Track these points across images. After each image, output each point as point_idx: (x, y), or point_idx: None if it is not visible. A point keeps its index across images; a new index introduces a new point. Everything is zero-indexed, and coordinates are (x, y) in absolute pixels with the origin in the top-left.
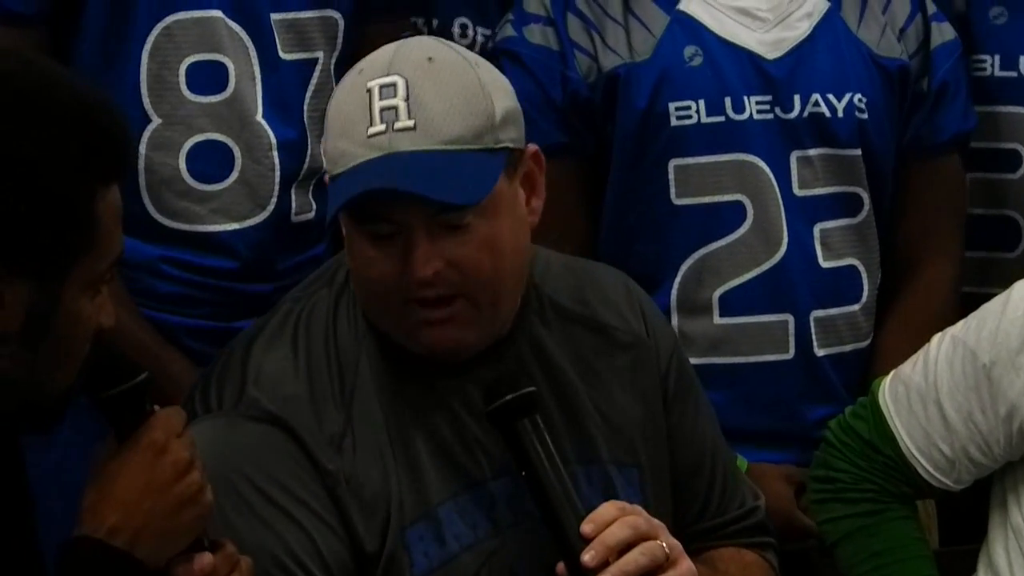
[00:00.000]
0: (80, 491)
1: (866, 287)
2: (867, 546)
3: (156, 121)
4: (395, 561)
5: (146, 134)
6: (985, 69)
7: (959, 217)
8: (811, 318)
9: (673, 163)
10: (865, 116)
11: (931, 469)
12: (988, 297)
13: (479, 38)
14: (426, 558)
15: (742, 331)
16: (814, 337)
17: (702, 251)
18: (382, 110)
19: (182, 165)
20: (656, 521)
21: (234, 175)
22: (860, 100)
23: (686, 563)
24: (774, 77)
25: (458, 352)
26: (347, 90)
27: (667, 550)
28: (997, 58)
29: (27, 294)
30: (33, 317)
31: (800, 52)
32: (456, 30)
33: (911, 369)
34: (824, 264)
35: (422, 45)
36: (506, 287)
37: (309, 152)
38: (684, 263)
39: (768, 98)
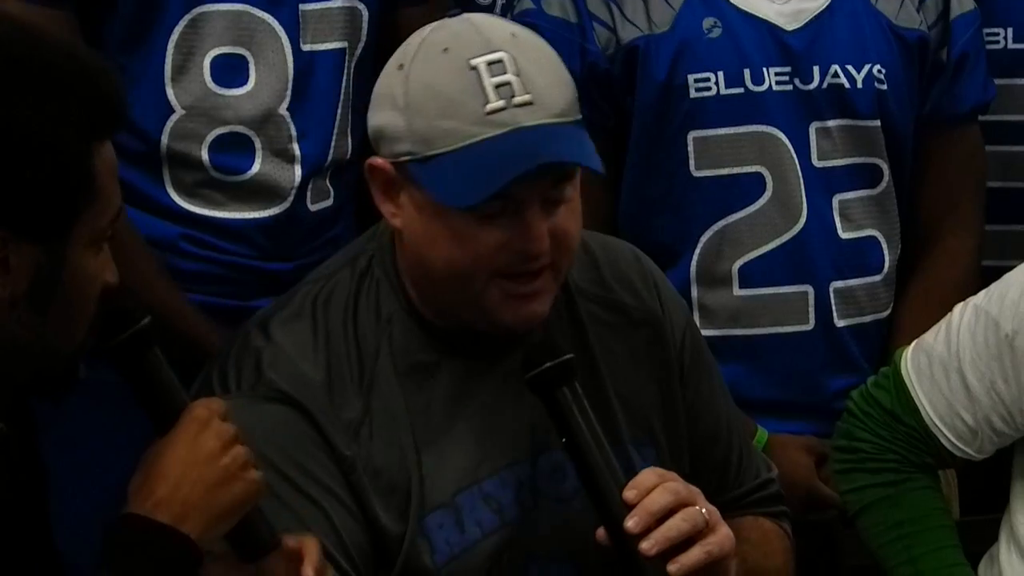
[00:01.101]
0: (96, 463)
1: (887, 258)
2: (889, 516)
3: (179, 112)
4: (415, 547)
5: (168, 124)
6: (999, 42)
7: (979, 188)
8: (831, 289)
9: (692, 135)
10: (884, 87)
11: (953, 439)
12: (1005, 270)
13: (497, 9)
14: (447, 545)
15: (762, 303)
16: (834, 308)
17: (721, 223)
18: (496, 86)
19: (204, 156)
20: (694, 487)
21: (256, 167)
22: (879, 71)
23: (724, 529)
24: (793, 48)
25: (533, 325)
26: (440, 70)
27: (706, 515)
28: (1010, 30)
29: (33, 256)
30: (40, 279)
31: (819, 23)
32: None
33: (933, 339)
34: (843, 235)
35: (494, 21)
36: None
37: (334, 143)
38: (704, 235)
39: (787, 69)
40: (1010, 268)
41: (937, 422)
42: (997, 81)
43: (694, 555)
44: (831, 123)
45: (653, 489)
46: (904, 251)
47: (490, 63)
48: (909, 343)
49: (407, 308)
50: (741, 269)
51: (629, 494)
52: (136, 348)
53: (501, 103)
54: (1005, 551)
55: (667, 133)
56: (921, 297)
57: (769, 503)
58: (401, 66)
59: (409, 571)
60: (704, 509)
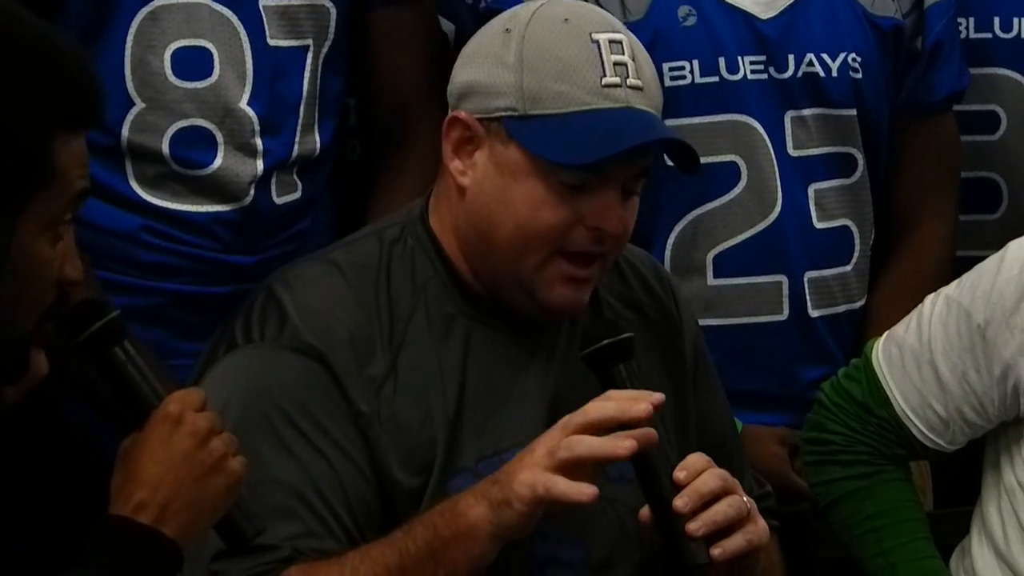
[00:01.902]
0: None
1: (858, 247)
2: (861, 508)
3: (140, 105)
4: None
5: (129, 117)
6: (961, 32)
7: (954, 177)
8: (805, 278)
9: (667, 123)
10: (859, 76)
11: (925, 430)
12: (971, 260)
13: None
14: None
15: (736, 292)
16: (808, 298)
17: (696, 212)
18: (615, 64)
19: (165, 149)
20: (734, 478)
21: (217, 161)
22: (854, 60)
23: (761, 520)
24: (768, 37)
25: (574, 313)
26: (560, 36)
27: (748, 505)
28: (971, 20)
29: None
30: None
31: (794, 11)
32: None
33: (904, 330)
34: (818, 225)
35: (598, 9)
36: None
37: (298, 139)
38: (678, 224)
39: (762, 58)
40: (976, 258)
41: (909, 413)
42: None
43: (736, 541)
44: (806, 112)
45: (703, 472)
46: (878, 240)
47: (611, 41)
48: (882, 333)
49: (445, 273)
50: (715, 258)
51: (680, 474)
52: (104, 343)
53: (617, 79)
54: (976, 543)
55: None
56: (895, 287)
57: (765, 516)
58: (508, 30)
59: None
60: (746, 499)
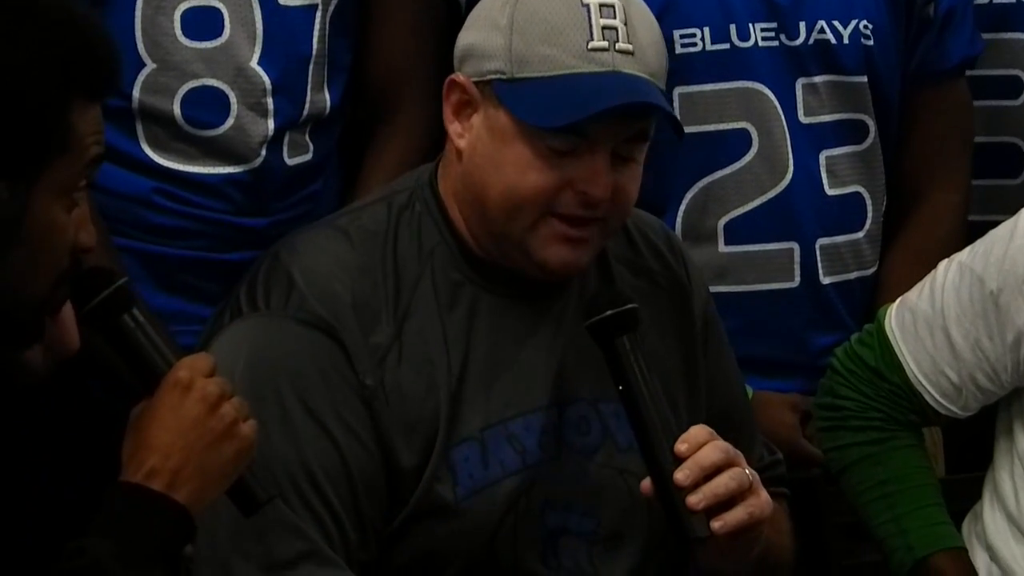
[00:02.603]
0: None
1: (870, 214)
2: (873, 474)
3: (150, 66)
4: (439, 479)
5: (140, 78)
6: None
7: (966, 144)
8: (817, 246)
9: (678, 91)
10: (871, 43)
11: (938, 396)
12: (991, 225)
13: None
14: (470, 479)
15: (748, 259)
16: (820, 265)
17: (707, 179)
18: (603, 28)
19: (177, 110)
20: (738, 451)
21: (229, 121)
22: (866, 26)
23: (764, 493)
24: (779, 4)
25: (572, 272)
26: (552, 0)
27: (750, 477)
28: None
29: None
30: (2, 219)
31: None
32: None
33: (917, 296)
34: (830, 192)
35: None
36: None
37: (308, 98)
38: (689, 191)
39: (773, 25)
40: (996, 223)
41: (922, 379)
42: (984, 35)
43: (738, 514)
44: (817, 79)
45: (705, 445)
46: (889, 208)
47: (602, 5)
48: (893, 300)
49: (451, 240)
50: (727, 225)
51: (681, 447)
52: (113, 311)
53: (604, 43)
54: (988, 509)
55: None
56: (907, 254)
57: (773, 484)
58: None
59: (427, 503)
60: (748, 471)
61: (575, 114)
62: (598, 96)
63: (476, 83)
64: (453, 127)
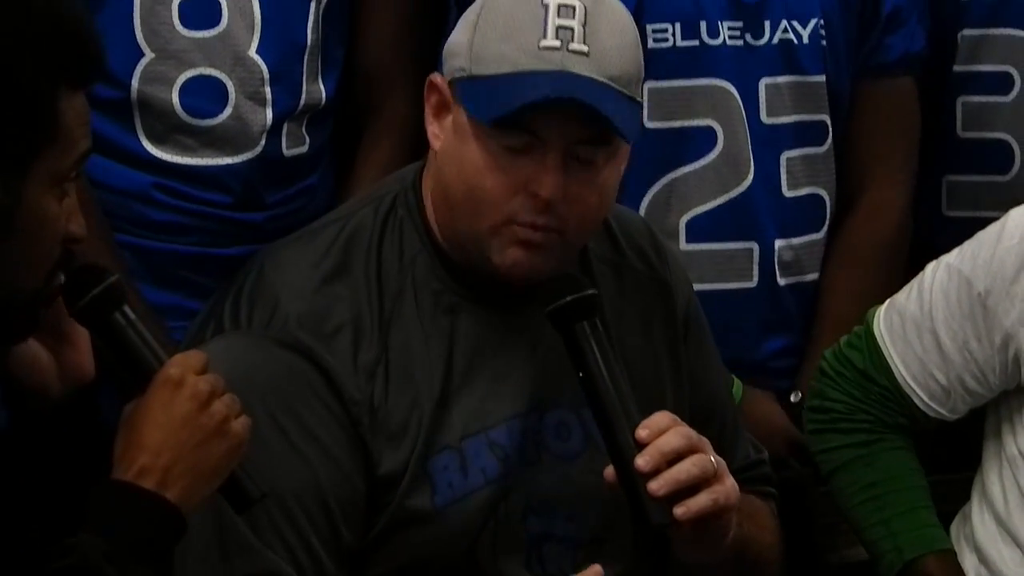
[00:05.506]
0: None
1: (829, 215)
2: (862, 476)
3: (149, 55)
4: (418, 488)
5: (138, 68)
6: None
7: (910, 142)
8: (775, 247)
9: (648, 85)
10: (825, 42)
11: (926, 399)
12: (982, 221)
13: None
14: (449, 488)
15: (708, 258)
16: (777, 266)
17: (671, 175)
18: (558, 28)
19: (175, 100)
20: (704, 438)
21: (228, 110)
22: (822, 26)
23: (730, 480)
24: (746, 3)
25: (531, 278)
26: None
27: (715, 464)
28: None
29: None
30: None
31: None
32: None
33: (905, 298)
34: (788, 193)
35: None
36: (593, 231)
37: (305, 88)
38: (652, 187)
39: (739, 24)
40: (986, 219)
41: (910, 382)
42: (975, 31)
43: (701, 501)
44: (780, 79)
45: (667, 431)
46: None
47: (561, 6)
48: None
49: (431, 247)
50: (688, 223)
51: (642, 433)
52: (104, 308)
53: (556, 43)
54: (977, 511)
55: None
56: (844, 256)
57: (758, 483)
58: None
59: (405, 513)
60: (713, 458)
61: (502, 108)
62: (534, 91)
63: (449, 83)
64: (431, 128)
